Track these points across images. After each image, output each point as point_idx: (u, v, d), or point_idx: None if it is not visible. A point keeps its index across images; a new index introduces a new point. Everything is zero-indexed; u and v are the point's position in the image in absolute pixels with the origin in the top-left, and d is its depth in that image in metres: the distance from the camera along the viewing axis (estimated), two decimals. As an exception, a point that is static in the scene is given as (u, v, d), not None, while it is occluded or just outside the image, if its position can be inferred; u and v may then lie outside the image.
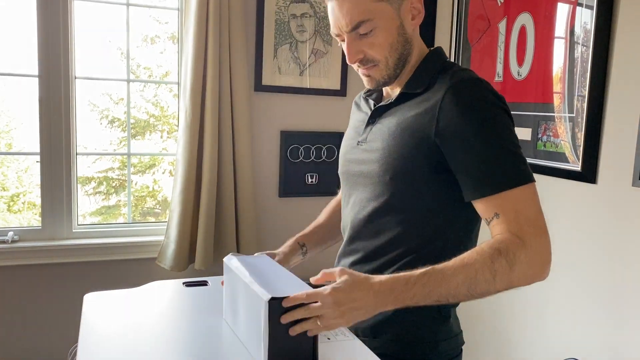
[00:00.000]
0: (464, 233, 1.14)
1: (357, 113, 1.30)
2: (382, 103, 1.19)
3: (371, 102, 1.24)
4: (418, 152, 1.07)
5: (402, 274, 0.98)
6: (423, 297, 0.96)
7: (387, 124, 1.14)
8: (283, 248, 1.37)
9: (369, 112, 1.22)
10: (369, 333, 1.17)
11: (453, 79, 1.06)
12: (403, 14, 1.10)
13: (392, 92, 1.20)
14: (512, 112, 2.18)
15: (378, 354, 1.04)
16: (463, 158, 1.02)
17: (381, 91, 1.24)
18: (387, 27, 1.08)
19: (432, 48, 1.19)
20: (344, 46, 1.12)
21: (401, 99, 1.14)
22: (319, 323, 0.92)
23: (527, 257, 0.96)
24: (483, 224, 1.10)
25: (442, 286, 0.96)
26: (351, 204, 1.22)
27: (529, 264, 0.96)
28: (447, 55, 2.43)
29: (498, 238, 0.98)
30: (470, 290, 0.96)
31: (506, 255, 0.95)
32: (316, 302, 0.92)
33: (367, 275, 0.98)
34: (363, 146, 1.18)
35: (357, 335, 1.14)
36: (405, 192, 1.10)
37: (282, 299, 0.91)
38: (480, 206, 1.03)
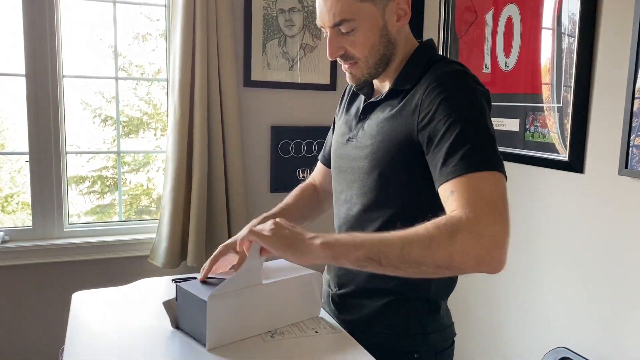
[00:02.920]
0: None
1: (348, 107, 1.30)
2: (372, 99, 1.19)
3: (362, 97, 1.25)
4: (404, 148, 1.07)
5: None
6: (354, 245, 0.92)
7: (376, 120, 1.14)
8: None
9: (360, 108, 1.22)
10: (360, 327, 1.17)
11: (435, 73, 1.06)
12: (388, 15, 1.09)
13: (382, 87, 1.20)
14: (500, 103, 2.19)
15: (369, 347, 1.05)
16: (433, 148, 1.00)
17: (372, 86, 1.24)
18: (369, 27, 1.08)
19: (421, 41, 1.18)
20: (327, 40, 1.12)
21: (390, 95, 1.14)
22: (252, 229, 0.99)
23: (471, 235, 0.87)
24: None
25: (377, 240, 0.92)
26: (342, 200, 1.23)
27: (472, 242, 0.87)
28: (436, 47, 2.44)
29: (448, 214, 0.93)
30: (404, 252, 0.88)
31: (446, 225, 0.89)
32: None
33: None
34: (353, 142, 1.19)
35: (349, 330, 1.14)
36: (393, 187, 1.11)
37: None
38: (443, 189, 0.97)
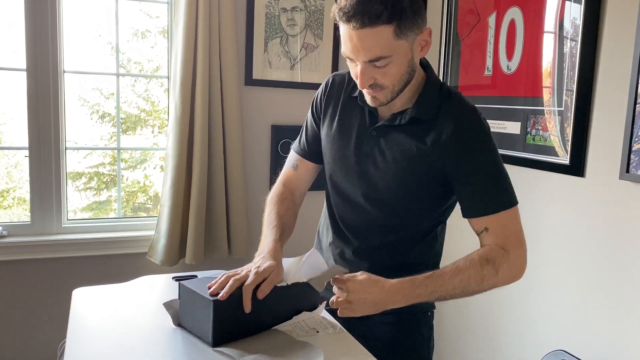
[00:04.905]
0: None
1: (343, 111, 1.32)
2: (389, 122, 1.24)
3: (363, 108, 1.28)
4: (428, 179, 1.22)
5: (409, 277, 1.14)
6: (426, 296, 1.14)
7: (397, 143, 1.23)
8: (272, 258, 1.24)
9: (367, 121, 1.27)
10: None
11: (456, 114, 1.20)
12: (415, 48, 1.16)
13: (390, 105, 1.24)
14: (501, 106, 2.20)
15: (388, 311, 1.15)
16: (466, 187, 1.19)
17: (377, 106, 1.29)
18: (401, 61, 1.14)
19: (425, 69, 1.26)
20: (356, 69, 1.16)
21: (412, 122, 1.21)
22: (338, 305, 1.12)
23: (508, 265, 1.17)
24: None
25: (442, 288, 1.14)
26: (350, 202, 1.31)
27: (510, 270, 1.17)
28: (437, 50, 2.44)
29: (487, 249, 1.18)
30: (464, 291, 1.15)
31: (493, 264, 1.15)
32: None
33: (380, 277, 1.14)
34: (370, 159, 1.25)
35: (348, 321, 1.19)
36: (416, 211, 1.27)
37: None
38: (474, 221, 1.21)
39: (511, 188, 1.21)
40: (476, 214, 1.20)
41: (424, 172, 1.21)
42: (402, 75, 1.16)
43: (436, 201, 1.27)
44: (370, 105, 1.23)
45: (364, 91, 1.21)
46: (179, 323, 1.12)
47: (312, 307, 1.21)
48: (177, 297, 1.13)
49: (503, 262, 1.16)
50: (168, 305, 1.15)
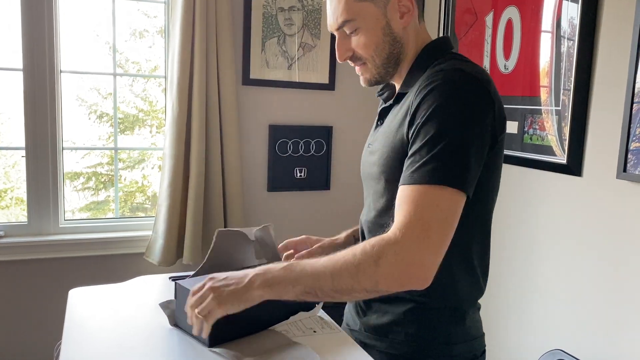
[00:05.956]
0: (472, 227, 1.07)
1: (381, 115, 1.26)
2: (384, 105, 1.18)
3: (381, 102, 1.24)
4: (401, 153, 1.03)
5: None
6: (291, 282, 0.93)
7: (386, 125, 1.13)
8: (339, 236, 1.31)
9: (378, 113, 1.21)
10: (381, 332, 1.13)
11: (431, 71, 1.03)
12: (390, 14, 1.08)
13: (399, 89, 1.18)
14: (498, 106, 2.16)
15: (388, 355, 1.04)
16: (411, 147, 0.98)
17: (394, 90, 1.21)
18: (371, 27, 1.08)
19: (433, 40, 1.14)
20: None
21: (398, 99, 1.12)
22: (196, 311, 0.97)
23: (395, 258, 0.88)
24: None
25: (310, 274, 0.93)
26: (365, 205, 1.22)
27: (395, 265, 0.88)
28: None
29: (383, 233, 0.93)
30: (335, 283, 0.91)
31: (373, 249, 0.89)
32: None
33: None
34: (370, 148, 1.18)
35: (370, 334, 1.13)
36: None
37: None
38: (398, 192, 0.97)
39: (456, 165, 0.93)
40: (400, 182, 0.96)
41: (394, 146, 1.05)
42: (378, 44, 1.08)
43: None
44: (363, 85, 1.18)
45: (357, 72, 1.16)
46: (175, 323, 1.12)
47: (309, 307, 1.21)
48: (174, 297, 1.13)
49: (388, 250, 0.88)
50: (164, 306, 1.14)
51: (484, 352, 1.16)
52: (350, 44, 1.11)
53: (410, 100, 1.03)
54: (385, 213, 1.10)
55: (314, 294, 0.93)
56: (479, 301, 1.16)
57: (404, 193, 0.94)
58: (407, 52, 1.12)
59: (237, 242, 1.25)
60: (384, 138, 1.10)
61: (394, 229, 0.91)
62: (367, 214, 1.18)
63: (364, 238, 1.19)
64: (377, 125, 1.20)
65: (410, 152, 0.98)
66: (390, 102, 1.15)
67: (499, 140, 1.03)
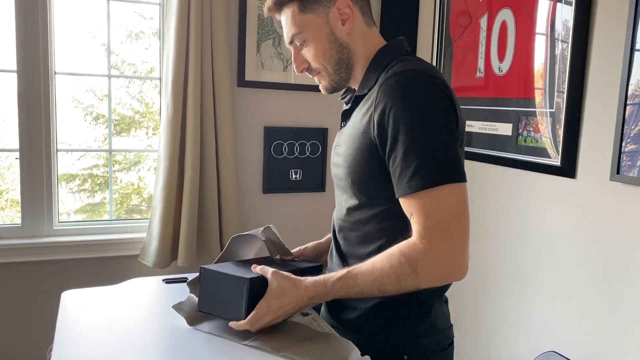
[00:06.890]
0: None
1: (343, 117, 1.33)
2: (345, 107, 1.23)
3: (344, 105, 1.29)
4: (367, 154, 1.08)
5: (322, 277, 1.06)
6: (342, 297, 1.05)
7: (348, 128, 1.17)
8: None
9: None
10: (352, 328, 1.17)
11: (387, 74, 1.07)
12: (332, 21, 1.14)
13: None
14: (493, 108, 2.19)
15: (360, 348, 1.05)
16: (390, 155, 1.03)
17: (354, 93, 1.25)
18: (317, 37, 1.14)
19: (389, 42, 1.19)
20: None
21: (356, 101, 1.17)
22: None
23: (429, 263, 0.97)
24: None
25: (356, 288, 1.03)
26: (337, 204, 1.27)
27: (433, 268, 0.98)
28: (430, 51, 2.44)
29: (408, 241, 1.00)
30: (381, 291, 1.02)
31: (409, 260, 0.98)
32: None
33: (294, 280, 1.06)
34: (336, 150, 1.22)
35: (342, 331, 1.15)
36: (366, 192, 1.12)
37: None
38: (403, 203, 1.03)
39: (444, 161, 0.98)
40: (401, 193, 1.01)
41: (358, 148, 1.09)
42: (326, 52, 1.14)
43: (387, 182, 1.07)
44: (323, 93, 1.25)
45: (316, 80, 1.23)
46: (192, 320, 1.12)
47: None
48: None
49: (422, 259, 0.97)
50: (178, 308, 1.15)
51: (451, 343, 1.22)
52: (302, 57, 1.19)
53: (371, 102, 1.08)
54: (354, 212, 1.16)
55: (369, 296, 1.05)
56: (446, 294, 1.22)
57: (410, 203, 1.00)
58: (357, 57, 1.17)
59: (248, 240, 1.33)
60: (348, 141, 1.14)
61: (418, 238, 0.98)
62: (338, 212, 1.24)
63: (334, 234, 1.25)
64: (341, 127, 1.25)
65: (393, 161, 1.02)
66: (349, 105, 1.21)
67: (459, 133, 1.07)
